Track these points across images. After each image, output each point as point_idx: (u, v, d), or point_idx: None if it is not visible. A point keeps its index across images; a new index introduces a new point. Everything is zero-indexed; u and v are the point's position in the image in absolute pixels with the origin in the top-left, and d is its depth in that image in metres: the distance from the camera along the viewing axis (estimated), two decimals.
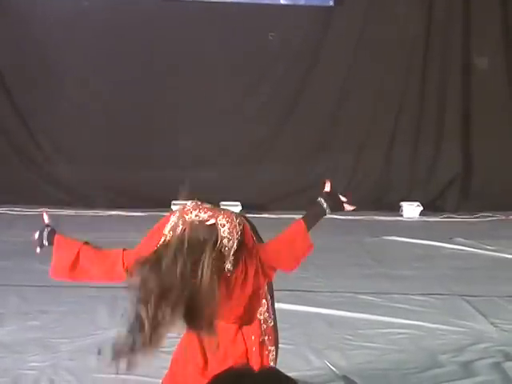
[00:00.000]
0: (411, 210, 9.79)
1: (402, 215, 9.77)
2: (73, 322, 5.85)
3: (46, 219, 4.10)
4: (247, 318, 3.90)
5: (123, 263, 3.86)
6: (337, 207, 4.13)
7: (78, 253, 3.94)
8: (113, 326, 5.79)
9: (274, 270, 3.96)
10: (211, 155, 9.61)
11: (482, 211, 9.79)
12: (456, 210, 9.87)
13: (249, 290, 3.79)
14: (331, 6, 9.78)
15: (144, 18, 9.43)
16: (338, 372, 5.07)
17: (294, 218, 10.09)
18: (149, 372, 4.91)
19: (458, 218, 9.70)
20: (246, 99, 9.76)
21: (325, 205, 4.12)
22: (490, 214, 9.76)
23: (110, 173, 9.55)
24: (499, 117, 10.02)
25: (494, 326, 6.00)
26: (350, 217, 9.52)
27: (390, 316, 6.13)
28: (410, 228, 9.18)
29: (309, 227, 4.10)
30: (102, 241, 8.29)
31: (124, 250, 3.89)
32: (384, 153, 10.02)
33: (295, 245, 4.06)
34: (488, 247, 8.28)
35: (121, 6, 9.48)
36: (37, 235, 4.04)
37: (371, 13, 9.81)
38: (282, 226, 9.45)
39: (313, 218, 4.15)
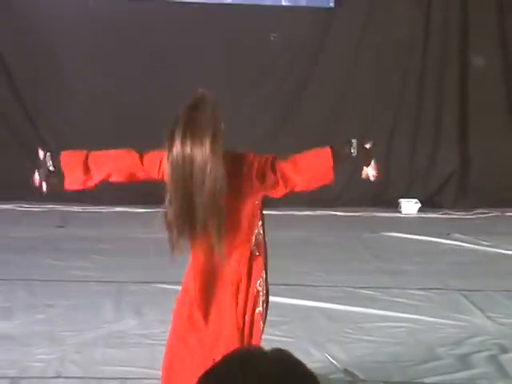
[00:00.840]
0: (409, 206, 9.80)
1: (400, 211, 9.78)
2: (79, 315, 5.87)
3: (42, 154, 3.97)
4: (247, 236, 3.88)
5: (141, 162, 3.82)
6: (365, 156, 4.10)
7: (87, 157, 3.88)
8: (118, 320, 5.82)
9: (288, 183, 3.89)
10: None
11: (478, 208, 9.79)
12: (453, 207, 9.87)
13: (268, 185, 3.83)
14: (331, 8, 9.79)
15: (148, 18, 9.44)
16: (338, 364, 5.09)
17: (294, 214, 10.13)
18: (151, 364, 4.93)
19: (455, 215, 9.71)
20: (247, 98, 9.76)
21: (354, 147, 4.02)
22: (487, 211, 9.76)
23: None
24: (496, 116, 10.03)
25: (491, 320, 6.00)
26: (349, 213, 9.54)
27: (389, 310, 6.15)
28: (409, 224, 9.19)
29: (335, 157, 3.97)
30: (109, 235, 8.38)
31: (140, 154, 3.84)
32: (383, 151, 10.01)
33: (319, 167, 3.97)
34: (484, 243, 8.29)
35: (125, 6, 9.48)
36: (36, 174, 3.91)
37: (371, 14, 9.82)
38: (283, 221, 9.45)
39: (340, 150, 4.04)
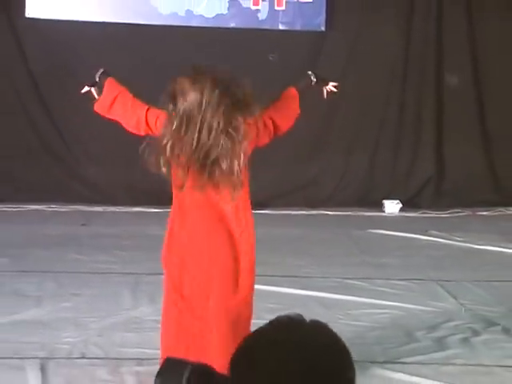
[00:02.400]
0: (392, 206, 9.80)
1: (384, 211, 9.78)
2: (101, 303, 5.88)
3: (101, 70, 4.39)
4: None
5: (146, 120, 4.12)
6: (322, 80, 4.63)
7: (116, 96, 4.13)
8: (135, 307, 5.83)
9: (276, 128, 4.31)
10: None
11: (452, 208, 9.80)
12: (430, 207, 9.88)
13: (264, 140, 4.29)
14: (323, 31, 9.81)
15: (158, 41, 9.46)
16: None
17: (291, 214, 10.11)
18: None
19: (432, 214, 9.72)
20: None
21: (312, 75, 4.58)
22: (460, 210, 9.76)
23: (132, 174, 9.56)
24: (467, 128, 10.04)
25: (463, 307, 6.02)
26: (339, 213, 9.54)
27: (374, 298, 6.15)
28: (392, 222, 9.20)
29: (300, 93, 4.51)
30: (127, 233, 8.36)
31: (148, 108, 4.16)
32: (369, 157, 10.04)
33: (290, 106, 4.46)
34: (458, 238, 8.29)
35: (139, 29, 9.51)
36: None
37: (357, 37, 9.85)
38: (281, 220, 9.44)
39: (302, 85, 4.59)
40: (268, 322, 1.64)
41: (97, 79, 4.37)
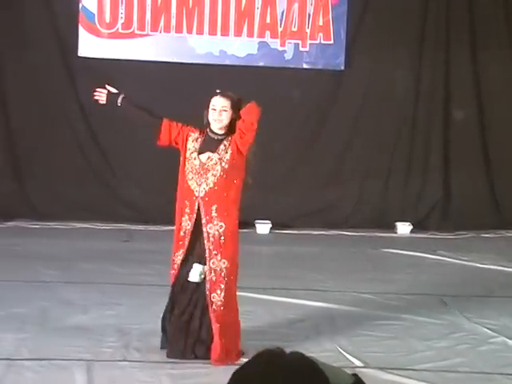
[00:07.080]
0: (404, 228, 9.77)
1: (396, 232, 9.75)
2: (140, 311, 5.91)
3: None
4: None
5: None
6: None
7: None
8: None
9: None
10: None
11: (458, 230, 9.74)
12: (438, 229, 9.83)
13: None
14: (342, 70, 9.85)
15: (194, 77, 9.52)
16: (345, 354, 5.08)
17: (311, 234, 10.05)
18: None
19: (440, 235, 9.67)
20: (274, 140, 9.77)
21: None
22: (465, 232, 9.71)
23: (169, 196, 9.61)
24: (472, 156, 10.01)
25: (467, 319, 5.98)
26: (355, 233, 9.51)
27: (386, 311, 6.14)
28: (403, 242, 9.16)
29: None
30: (164, 249, 8.33)
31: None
32: (382, 183, 10.03)
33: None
34: (463, 258, 8.25)
35: (178, 69, 9.59)
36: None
37: (373, 75, 9.87)
38: (302, 239, 9.41)
39: None
40: (251, 357, 1.58)
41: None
